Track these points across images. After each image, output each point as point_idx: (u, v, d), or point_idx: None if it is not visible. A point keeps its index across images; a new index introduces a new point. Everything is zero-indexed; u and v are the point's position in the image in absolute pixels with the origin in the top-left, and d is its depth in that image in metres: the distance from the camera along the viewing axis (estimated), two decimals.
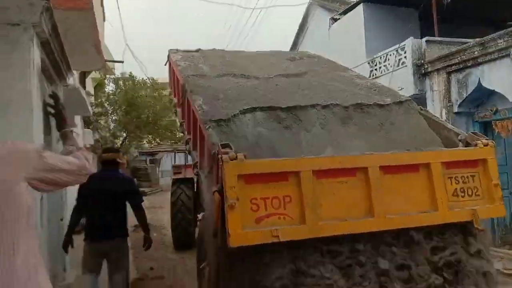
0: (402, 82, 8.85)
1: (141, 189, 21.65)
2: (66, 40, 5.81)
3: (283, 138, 3.77)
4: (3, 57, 3.66)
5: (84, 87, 21.89)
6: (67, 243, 4.79)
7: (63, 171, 1.85)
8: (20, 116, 3.68)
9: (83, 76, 22.20)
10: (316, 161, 3.22)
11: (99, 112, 22.69)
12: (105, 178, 4.72)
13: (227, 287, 3.34)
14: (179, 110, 5.89)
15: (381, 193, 3.28)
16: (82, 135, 15.01)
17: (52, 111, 2.27)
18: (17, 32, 3.73)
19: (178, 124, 6.67)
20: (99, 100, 23.08)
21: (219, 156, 3.03)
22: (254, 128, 3.81)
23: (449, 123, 7.79)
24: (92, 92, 22.57)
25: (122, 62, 14.78)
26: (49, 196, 5.42)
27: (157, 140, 26.34)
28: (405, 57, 8.81)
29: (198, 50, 6.44)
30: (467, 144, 3.78)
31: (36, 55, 3.90)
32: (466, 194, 3.55)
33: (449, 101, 7.95)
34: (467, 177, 3.58)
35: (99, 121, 22.73)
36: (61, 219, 5.54)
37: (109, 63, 22.60)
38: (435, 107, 8.23)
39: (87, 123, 20.11)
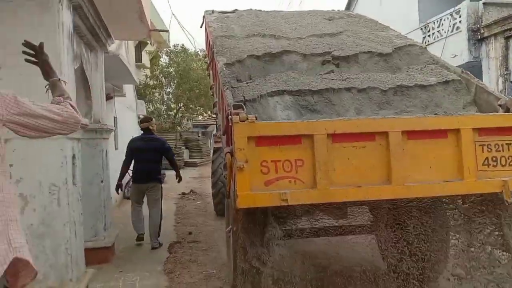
0: (456, 49, 8.27)
1: (192, 160, 22.26)
2: (111, 8, 5.96)
3: None
4: (34, 18, 3.80)
5: (140, 60, 22.65)
6: (118, 187, 6.96)
7: (46, 118, 1.87)
8: None
9: (138, 48, 22.88)
10: (331, 124, 3.09)
11: (154, 84, 23.36)
12: (145, 139, 6.87)
13: (243, 246, 3.35)
14: (210, 72, 5.89)
15: (401, 160, 3.11)
16: (135, 106, 15.57)
17: (33, 59, 2.25)
18: None
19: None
20: (154, 73, 23.72)
21: (230, 117, 2.99)
22: (282, 111, 3.70)
23: (505, 93, 7.25)
24: (148, 64, 23.25)
25: (167, 31, 14.90)
26: (89, 160, 5.68)
27: (209, 112, 26.83)
28: (460, 21, 8.17)
29: (234, 11, 6.34)
30: (507, 110, 3.48)
31: (65, 18, 4.01)
32: (499, 163, 3.27)
33: (507, 69, 7.31)
34: (502, 145, 3.30)
35: (154, 93, 23.42)
36: (102, 181, 5.79)
37: (162, 35, 23.11)
38: (491, 76, 7.62)
39: (140, 94, 20.82)
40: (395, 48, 4.44)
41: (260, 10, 6.41)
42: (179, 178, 7.16)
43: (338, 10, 6.26)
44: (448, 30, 8.52)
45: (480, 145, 3.26)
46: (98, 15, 5.23)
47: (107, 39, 6.15)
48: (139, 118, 16.03)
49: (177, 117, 24.63)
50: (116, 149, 10.73)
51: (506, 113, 3.41)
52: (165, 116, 23.58)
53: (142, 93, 21.47)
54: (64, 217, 3.85)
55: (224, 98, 3.56)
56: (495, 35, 7.55)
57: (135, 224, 6.80)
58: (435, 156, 3.21)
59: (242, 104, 3.14)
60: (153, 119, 7.49)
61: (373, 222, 5.19)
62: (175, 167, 7.05)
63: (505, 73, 7.37)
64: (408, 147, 3.16)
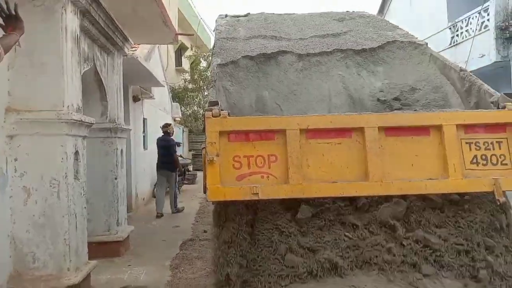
0: (484, 49, 7.92)
1: None
2: (135, 14, 6.21)
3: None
4: (40, 23, 4.06)
5: (180, 64, 23.24)
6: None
7: None
8: (52, 78, 4.08)
9: (179, 53, 23.51)
10: (304, 119, 3.11)
11: (192, 88, 23.88)
12: (162, 139, 9.76)
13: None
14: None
15: (379, 156, 3.08)
16: (170, 108, 16.02)
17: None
18: (51, 1, 4.10)
19: None
20: (193, 77, 24.26)
21: (204, 112, 3.09)
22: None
23: None
24: (187, 68, 23.87)
25: (192, 35, 15.23)
26: (103, 157, 5.96)
27: None
28: (488, 19, 7.82)
29: (247, 15, 6.42)
30: (500, 107, 3.34)
31: (69, 22, 4.25)
32: (489, 162, 3.15)
33: None
34: (492, 143, 3.17)
35: (192, 96, 23.91)
36: (115, 178, 6.05)
37: (203, 40, 23.59)
38: None
39: (178, 97, 21.37)
40: (383, 44, 4.40)
41: (273, 14, 6.45)
42: (178, 169, 10.08)
43: (353, 11, 6.17)
44: (476, 29, 8.18)
45: (467, 143, 3.16)
46: (110, 19, 5.49)
47: (124, 42, 6.43)
48: (174, 120, 16.56)
49: None
50: (145, 149, 11.13)
51: (494, 110, 3.27)
52: (203, 119, 24.00)
53: (180, 96, 22.01)
54: (63, 209, 4.08)
55: (209, 96, 3.66)
56: None
57: (156, 203, 9.41)
58: (417, 153, 3.14)
59: (219, 101, 3.23)
60: (171, 124, 10.21)
61: None
62: (173, 160, 9.57)
63: None
64: (387, 143, 3.12)
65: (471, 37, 8.31)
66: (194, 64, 24.65)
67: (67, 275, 4.09)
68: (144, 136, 11.07)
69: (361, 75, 4.30)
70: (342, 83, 4.22)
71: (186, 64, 24.30)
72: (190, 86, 23.37)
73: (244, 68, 4.26)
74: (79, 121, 4.32)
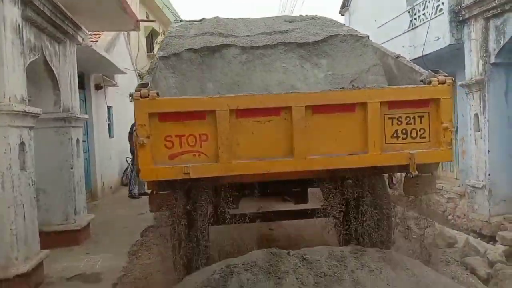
0: (439, 32, 8.09)
1: None
2: (90, 1, 6.16)
3: None
4: None
5: (152, 50, 22.99)
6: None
7: None
8: None
9: (150, 39, 23.20)
10: (234, 99, 3.18)
11: None
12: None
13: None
14: None
15: (305, 134, 3.18)
16: None
17: None
18: None
19: None
20: None
21: (132, 94, 3.11)
22: None
23: (485, 75, 7.08)
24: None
25: (154, 21, 15.05)
26: (58, 147, 5.95)
27: None
28: (443, 3, 7.97)
29: (202, 19, 6.33)
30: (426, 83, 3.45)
31: (9, 12, 4.20)
32: (409, 136, 3.30)
33: (486, 51, 7.11)
34: (414, 118, 3.31)
35: None
36: (71, 168, 6.05)
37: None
38: (472, 58, 7.43)
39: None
40: (326, 37, 4.48)
41: (227, 18, 6.33)
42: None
43: (306, 14, 6.11)
44: (432, 12, 8.33)
45: (389, 118, 3.26)
46: (57, 8, 5.42)
47: (76, 31, 6.35)
48: None
49: None
50: (111, 137, 11.07)
51: (418, 86, 3.39)
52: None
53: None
54: (8, 200, 4.10)
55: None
56: (475, 16, 7.32)
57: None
58: (341, 129, 3.25)
59: (149, 83, 3.26)
60: None
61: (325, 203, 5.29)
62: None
63: (484, 55, 7.18)
64: (313, 121, 3.21)
65: (428, 21, 8.47)
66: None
67: (15, 265, 4.13)
68: (109, 124, 10.99)
69: (305, 67, 4.38)
70: (285, 74, 4.30)
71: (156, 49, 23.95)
72: None
73: (188, 60, 4.29)
74: (23, 112, 4.31)
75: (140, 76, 18.68)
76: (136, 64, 14.34)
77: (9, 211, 4.12)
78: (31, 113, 4.52)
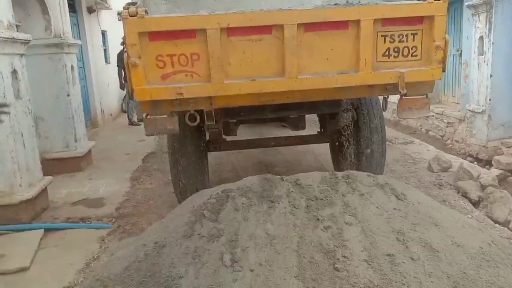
0: None
1: None
2: None
3: None
4: None
5: None
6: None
7: None
8: None
9: None
10: (224, 17, 3.04)
11: None
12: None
13: None
14: None
15: (296, 53, 3.09)
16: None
17: None
18: None
19: None
20: None
21: (120, 13, 3.00)
22: None
23: None
24: None
25: None
26: (53, 74, 5.87)
27: None
28: None
29: None
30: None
31: None
32: (400, 54, 3.21)
33: None
34: (406, 35, 3.19)
35: None
36: (68, 95, 6.02)
37: None
38: None
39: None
40: None
41: None
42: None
43: None
44: None
45: (382, 36, 3.13)
46: None
47: None
48: None
49: None
50: (107, 63, 10.88)
51: (412, 2, 3.24)
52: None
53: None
54: (6, 129, 4.13)
55: None
56: None
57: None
58: (333, 48, 3.13)
59: (137, 1, 3.13)
60: None
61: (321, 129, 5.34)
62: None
63: None
64: (305, 39, 3.08)
65: None
66: None
67: (19, 191, 4.27)
68: (105, 50, 10.75)
69: None
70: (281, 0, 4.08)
71: None
72: None
73: None
74: (11, 38, 4.19)
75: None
76: None
77: (8, 140, 4.16)
78: (20, 39, 4.39)
